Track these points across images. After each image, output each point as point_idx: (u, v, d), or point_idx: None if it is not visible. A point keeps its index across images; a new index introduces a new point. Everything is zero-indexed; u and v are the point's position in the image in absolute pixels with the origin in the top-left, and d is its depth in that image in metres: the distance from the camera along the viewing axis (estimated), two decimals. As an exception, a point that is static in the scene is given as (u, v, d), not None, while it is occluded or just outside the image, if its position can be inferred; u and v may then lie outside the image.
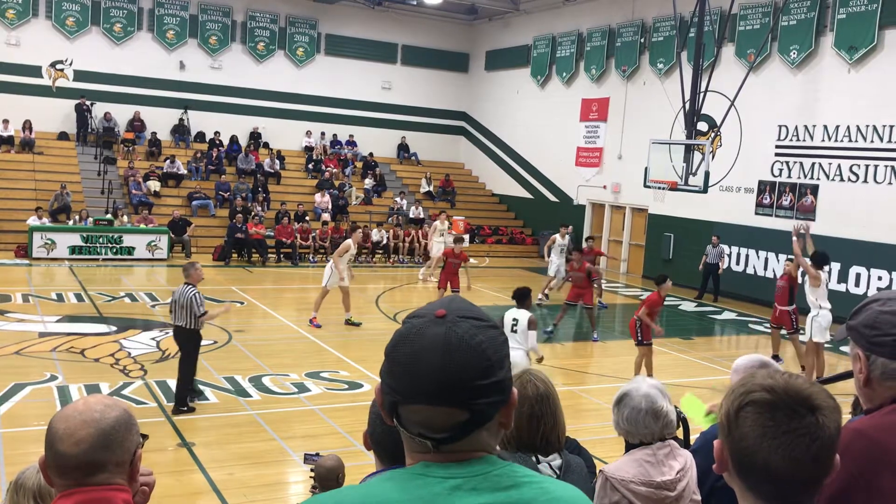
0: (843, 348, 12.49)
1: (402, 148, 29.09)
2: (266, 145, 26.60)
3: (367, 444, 2.38)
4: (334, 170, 26.24)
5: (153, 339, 11.95)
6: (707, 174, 17.61)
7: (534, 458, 2.77)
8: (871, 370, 1.89)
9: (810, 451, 1.44)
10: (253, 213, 21.99)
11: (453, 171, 29.31)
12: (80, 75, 24.21)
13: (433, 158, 29.40)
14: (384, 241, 22.82)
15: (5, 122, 22.62)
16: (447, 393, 1.30)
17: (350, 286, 13.78)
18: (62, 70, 24.07)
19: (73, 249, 19.10)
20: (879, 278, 16.17)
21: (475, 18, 29.10)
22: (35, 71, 23.71)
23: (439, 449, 1.33)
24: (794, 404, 1.46)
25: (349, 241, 14.05)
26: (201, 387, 9.36)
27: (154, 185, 22.74)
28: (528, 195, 27.25)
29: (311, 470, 4.59)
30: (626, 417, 3.14)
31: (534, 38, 26.69)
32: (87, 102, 23.96)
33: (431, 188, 27.29)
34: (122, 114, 24.70)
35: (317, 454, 4.76)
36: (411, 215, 24.74)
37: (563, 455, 2.85)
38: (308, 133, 27.42)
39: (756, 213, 19.10)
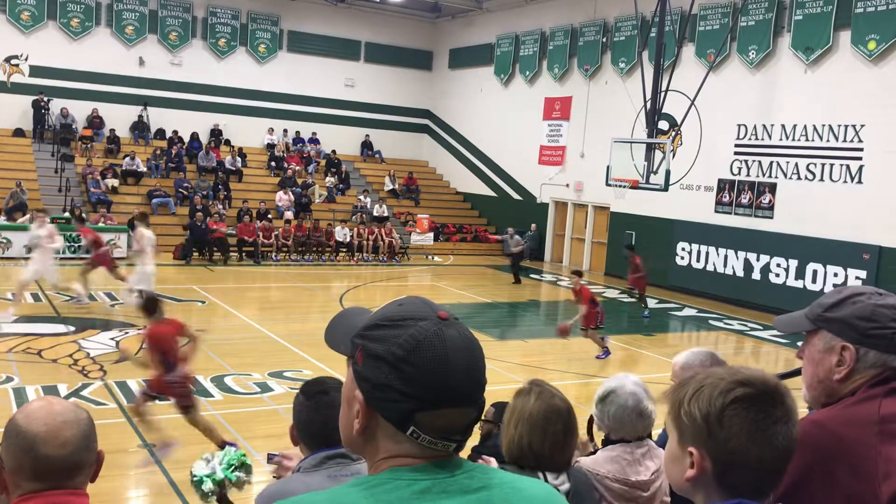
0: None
1: (366, 146, 29.00)
2: (227, 142, 26.33)
3: (293, 440, 2.38)
4: (297, 167, 26.06)
5: (112, 338, 11.77)
6: (668, 172, 17.83)
7: (540, 476, 2.67)
8: (857, 363, 1.83)
9: (790, 437, 1.48)
10: (214, 211, 21.75)
11: (417, 168, 29.30)
12: (36, 71, 23.71)
13: (397, 156, 29.36)
14: (348, 240, 22.73)
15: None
16: (473, 393, 1.33)
17: (314, 285, 13.71)
18: (17, 65, 23.55)
19: (29, 248, 18.66)
20: (835, 275, 16.52)
21: (438, 16, 29.11)
22: (-11, 66, 23.19)
23: (457, 450, 1.35)
24: (772, 392, 1.48)
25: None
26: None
27: (113, 182, 22.38)
28: (491, 193, 27.35)
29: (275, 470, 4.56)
30: (611, 415, 3.12)
31: (497, 37, 26.77)
32: (45, 98, 23.48)
33: (395, 186, 27.25)
34: (80, 110, 24.26)
35: (280, 454, 4.72)
36: (375, 213, 24.68)
37: (570, 476, 2.76)
38: (270, 130, 27.20)
39: (716, 211, 19.39)
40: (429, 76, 30.03)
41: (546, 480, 2.63)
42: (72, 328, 12.22)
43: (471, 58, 28.08)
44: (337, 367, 10.37)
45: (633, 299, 17.30)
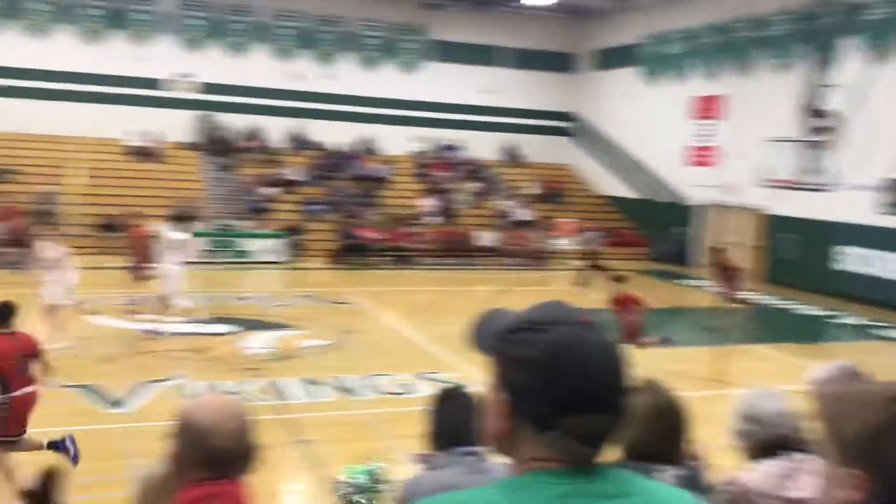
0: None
1: (508, 151, 29.12)
2: (376, 151, 27.20)
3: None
4: (442, 174, 26.54)
5: (272, 338, 12.43)
6: (831, 171, 16.82)
7: (655, 469, 2.67)
8: None
9: None
10: (364, 218, 22.54)
11: (560, 172, 29.11)
12: (204, 87, 25.46)
13: (539, 160, 29.29)
14: (491, 244, 22.90)
15: (136, 133, 24.01)
16: (614, 399, 1.35)
17: (458, 289, 13.89)
18: (188, 83, 25.34)
19: (197, 253, 20.10)
20: None
21: (581, 17, 28.81)
22: (161, 84, 25.07)
23: (595, 456, 1.36)
24: None
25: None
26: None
27: (270, 191, 23.64)
28: (638, 196, 26.75)
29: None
30: (756, 427, 2.99)
31: (643, 36, 26.18)
32: (211, 113, 25.20)
33: (538, 190, 27.19)
34: (241, 123, 25.82)
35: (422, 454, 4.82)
36: (518, 218, 24.73)
37: (685, 469, 2.76)
38: (416, 138, 27.84)
39: (882, 213, 18.08)
40: (571, 78, 29.77)
41: (660, 474, 2.64)
42: (234, 328, 13.00)
43: (615, 58, 27.61)
44: (481, 371, 10.50)
45: (739, 305, 14.95)
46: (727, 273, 14.67)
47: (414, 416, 8.98)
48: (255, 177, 24.01)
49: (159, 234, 13.23)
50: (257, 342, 12.15)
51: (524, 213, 24.99)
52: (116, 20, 24.59)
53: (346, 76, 27.02)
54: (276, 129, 26.21)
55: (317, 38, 26.72)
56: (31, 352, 6.47)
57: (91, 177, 21.85)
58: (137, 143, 24.02)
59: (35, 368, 6.51)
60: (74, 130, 23.18)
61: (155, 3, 24.91)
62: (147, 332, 12.24)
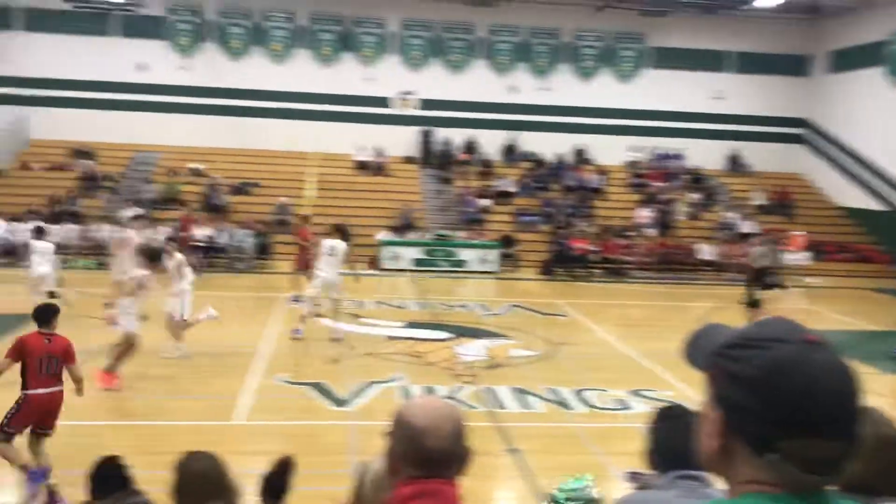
0: None
1: (733, 159, 27.68)
2: (590, 161, 26.94)
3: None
4: (659, 184, 25.76)
5: (484, 346, 12.67)
6: None
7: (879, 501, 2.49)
8: None
9: None
10: (577, 229, 22.39)
11: (790, 182, 27.21)
12: (424, 104, 26.58)
13: (767, 169, 27.55)
14: (712, 258, 21.87)
15: (362, 148, 25.55)
16: (842, 424, 1.26)
17: (675, 304, 13.40)
18: (408, 100, 26.59)
19: (415, 262, 21.02)
20: None
21: (816, 17, 26.81)
22: (386, 102, 26.47)
23: (821, 483, 1.28)
24: None
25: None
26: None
27: (485, 202, 24.16)
28: (882, 207, 24.38)
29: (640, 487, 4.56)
30: None
31: (890, 33, 23.88)
32: (430, 128, 26.27)
33: (765, 201, 25.60)
34: (457, 137, 26.65)
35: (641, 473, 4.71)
36: (741, 230, 23.41)
37: None
38: (632, 148, 27.25)
39: None
40: (803, 82, 27.77)
41: None
42: (449, 335, 13.39)
43: (856, 59, 25.40)
44: (698, 389, 10.04)
45: None
46: None
47: (627, 433, 8.81)
48: (470, 188, 24.66)
49: (319, 241, 13.38)
50: (470, 350, 12.42)
51: (748, 225, 23.61)
52: (347, 44, 26.33)
53: (562, 87, 27.04)
54: (491, 142, 26.76)
55: (533, 51, 26.99)
56: (60, 355, 6.72)
57: (320, 189, 23.51)
58: (364, 157, 25.52)
59: (66, 371, 6.80)
60: (310, 146, 25.07)
61: (382, 26, 26.39)
62: (294, 332, 12.67)
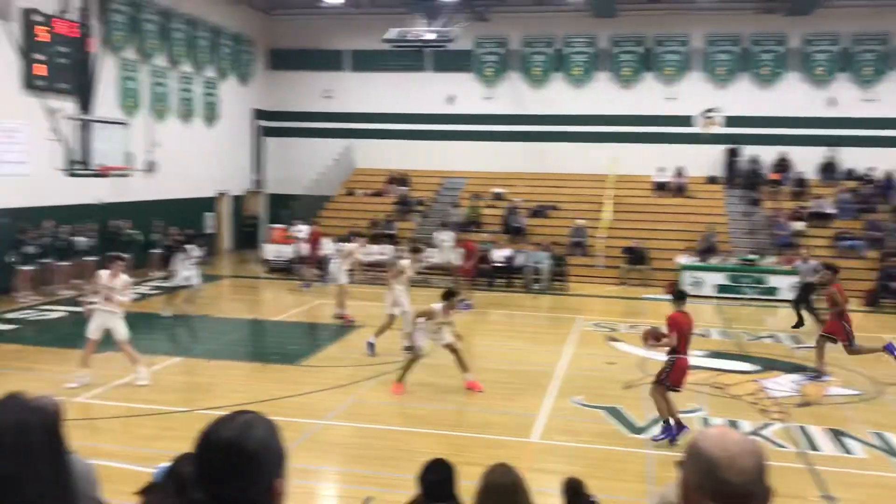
0: None
1: None
2: (928, 179, 23.73)
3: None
4: None
5: (795, 382, 11.66)
6: None
7: None
8: None
9: None
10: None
11: None
12: (729, 121, 25.29)
13: None
14: None
15: (661, 169, 24.91)
16: None
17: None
18: (713, 118, 25.46)
19: (718, 287, 19.93)
20: None
21: None
22: (688, 121, 25.60)
23: None
24: None
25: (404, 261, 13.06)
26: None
27: (798, 225, 22.30)
28: None
29: None
30: None
31: None
32: (735, 146, 24.88)
33: None
34: (767, 155, 24.95)
35: None
36: None
37: None
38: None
39: None
40: None
41: None
42: (756, 367, 12.51)
43: None
44: None
45: None
46: None
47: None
48: (781, 209, 22.91)
49: (395, 262, 13.99)
50: (779, 384, 11.50)
51: None
52: (648, 63, 25.92)
53: (890, 97, 24.23)
54: (804, 159, 24.68)
55: (855, 60, 24.52)
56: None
57: (617, 211, 23.27)
58: (664, 178, 24.87)
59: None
60: (608, 168, 24.98)
61: (685, 43, 25.63)
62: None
